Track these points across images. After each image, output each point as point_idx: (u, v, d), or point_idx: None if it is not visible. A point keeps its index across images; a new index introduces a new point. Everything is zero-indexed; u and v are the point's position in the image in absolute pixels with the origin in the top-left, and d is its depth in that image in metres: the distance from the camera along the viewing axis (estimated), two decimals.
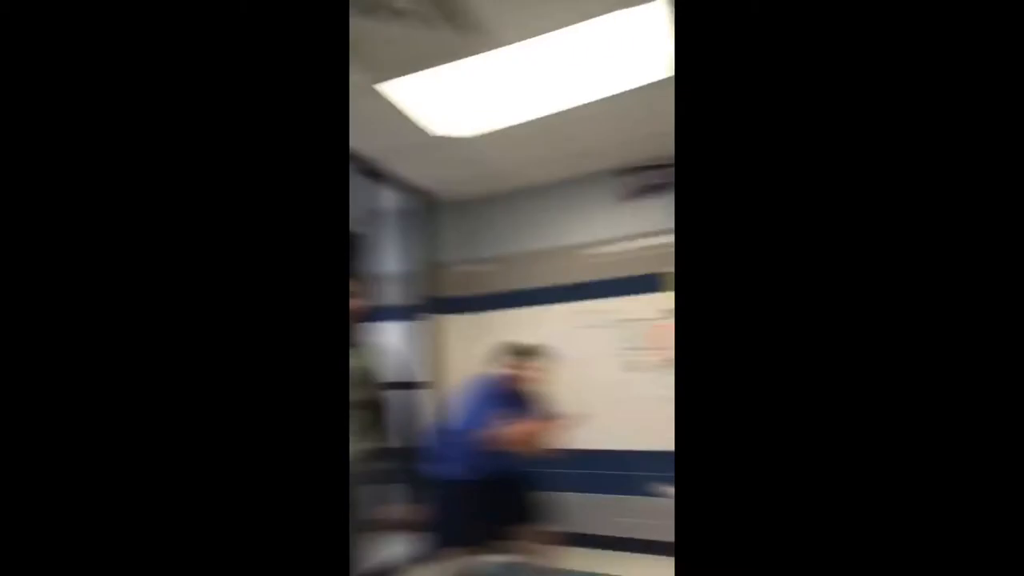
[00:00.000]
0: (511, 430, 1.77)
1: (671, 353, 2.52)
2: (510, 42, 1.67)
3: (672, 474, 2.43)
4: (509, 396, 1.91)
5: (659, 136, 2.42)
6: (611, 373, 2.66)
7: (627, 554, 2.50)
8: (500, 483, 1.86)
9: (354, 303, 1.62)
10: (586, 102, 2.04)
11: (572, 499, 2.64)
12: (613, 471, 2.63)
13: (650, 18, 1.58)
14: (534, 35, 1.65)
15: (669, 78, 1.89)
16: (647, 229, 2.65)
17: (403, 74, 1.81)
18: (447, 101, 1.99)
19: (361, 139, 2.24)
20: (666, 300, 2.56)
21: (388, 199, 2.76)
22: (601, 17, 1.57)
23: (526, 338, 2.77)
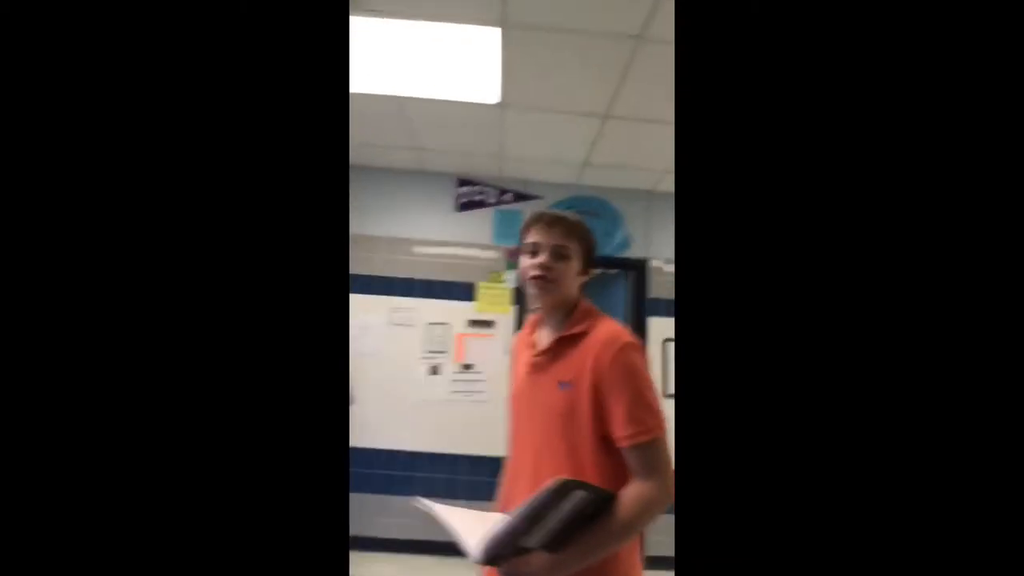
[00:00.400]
0: None
1: (468, 361, 2.75)
2: (378, 14, 1.70)
3: (451, 477, 2.64)
4: None
5: (488, 157, 2.68)
6: (410, 372, 2.73)
7: (378, 554, 2.55)
8: None
9: None
10: (431, 98, 2.17)
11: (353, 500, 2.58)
12: (392, 471, 2.67)
13: (485, 41, 1.81)
14: (399, 17, 1.71)
15: (498, 105, 2.17)
16: (468, 240, 2.86)
17: None
18: None
19: None
20: (472, 311, 2.79)
21: None
22: (451, 24, 1.74)
23: None
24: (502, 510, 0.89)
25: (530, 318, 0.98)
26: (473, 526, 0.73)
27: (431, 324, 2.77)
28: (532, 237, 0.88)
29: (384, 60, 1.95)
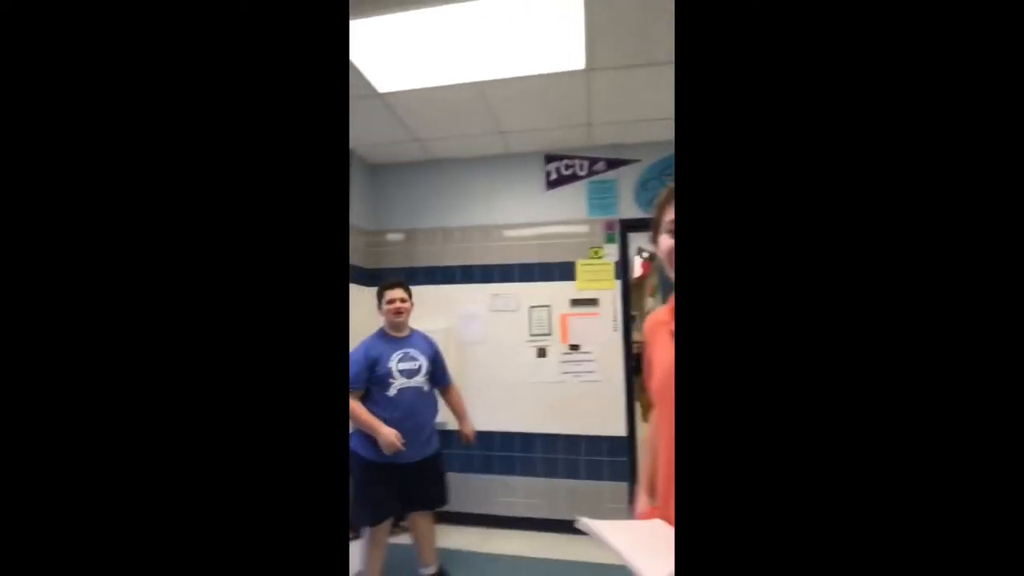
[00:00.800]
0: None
1: (574, 341, 2.75)
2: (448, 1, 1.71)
3: (570, 457, 2.69)
4: (384, 338, 2.05)
5: (576, 127, 2.62)
6: (517, 356, 2.82)
7: (507, 531, 2.68)
8: (410, 466, 1.94)
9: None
10: (511, 76, 2.17)
11: (470, 480, 2.77)
12: (511, 453, 2.80)
13: (566, 4, 1.73)
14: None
15: (584, 70, 2.09)
16: (562, 217, 2.84)
17: (357, 17, 1.76)
18: (393, 53, 1.99)
19: None
20: (574, 290, 2.78)
21: None
22: None
23: (438, 318, 2.81)
24: (657, 513, 0.86)
25: (670, 299, 0.90)
26: (643, 546, 0.69)
27: (533, 307, 2.82)
28: (672, 214, 0.78)
29: (463, 48, 1.98)
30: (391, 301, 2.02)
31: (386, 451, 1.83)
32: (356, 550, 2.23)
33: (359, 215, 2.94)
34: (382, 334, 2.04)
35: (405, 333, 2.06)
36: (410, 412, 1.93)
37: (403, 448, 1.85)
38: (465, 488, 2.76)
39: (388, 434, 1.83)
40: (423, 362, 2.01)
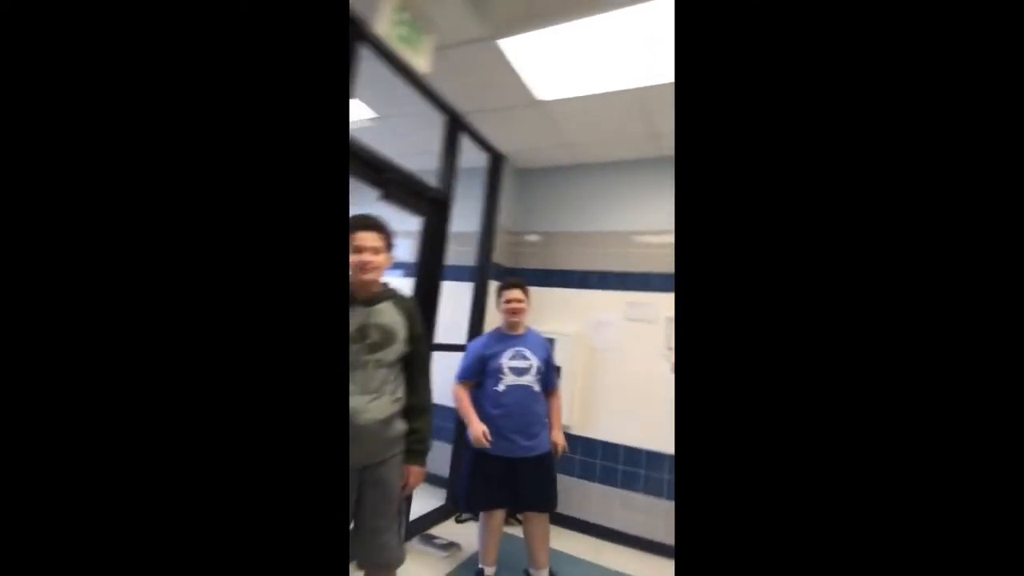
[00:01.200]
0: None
1: None
2: (616, 6, 1.71)
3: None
4: (498, 335, 2.16)
5: None
6: (652, 370, 2.73)
7: (622, 547, 2.62)
8: (514, 461, 2.04)
9: (370, 258, 1.41)
10: (660, 83, 2.08)
11: (589, 488, 2.78)
12: (635, 468, 2.73)
13: None
14: (633, 3, 1.68)
15: None
16: None
17: (522, 31, 1.90)
18: (555, 62, 2.08)
19: (465, 94, 2.38)
20: None
21: (469, 159, 2.88)
22: None
23: (569, 322, 2.86)
24: None
25: None
26: None
27: (672, 319, 2.69)
28: None
29: (625, 54, 1.97)
30: (508, 301, 2.13)
31: (473, 443, 1.98)
32: (471, 532, 2.42)
33: (505, 216, 3.12)
34: (498, 332, 2.17)
35: (520, 332, 2.16)
36: (517, 409, 2.02)
37: (488, 445, 1.95)
38: (583, 495, 2.78)
39: (476, 428, 1.96)
40: (535, 362, 2.09)
